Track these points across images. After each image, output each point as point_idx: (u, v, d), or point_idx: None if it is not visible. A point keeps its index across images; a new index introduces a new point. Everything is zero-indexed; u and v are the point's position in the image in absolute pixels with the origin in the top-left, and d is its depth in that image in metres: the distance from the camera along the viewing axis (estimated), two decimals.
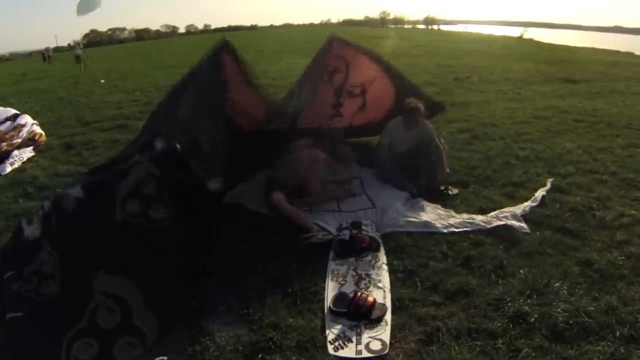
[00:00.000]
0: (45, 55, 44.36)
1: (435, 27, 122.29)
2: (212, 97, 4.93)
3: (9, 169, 7.50)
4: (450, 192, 5.76)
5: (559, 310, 3.52)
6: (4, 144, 8.36)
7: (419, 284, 3.98)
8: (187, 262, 3.90)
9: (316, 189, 5.53)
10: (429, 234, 4.78)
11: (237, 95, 5.56)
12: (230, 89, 5.29)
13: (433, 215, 5.10)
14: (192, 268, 4.10)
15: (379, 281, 4.06)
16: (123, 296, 3.44)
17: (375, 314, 3.59)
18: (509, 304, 3.62)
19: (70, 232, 3.70)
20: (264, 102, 6.08)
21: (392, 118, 6.37)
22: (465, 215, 5.07)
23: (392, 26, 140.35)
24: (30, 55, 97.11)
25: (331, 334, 3.46)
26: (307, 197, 5.51)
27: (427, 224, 4.91)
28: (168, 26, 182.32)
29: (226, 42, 5.28)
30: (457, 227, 4.85)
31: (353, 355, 3.31)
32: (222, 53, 5.22)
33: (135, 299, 3.45)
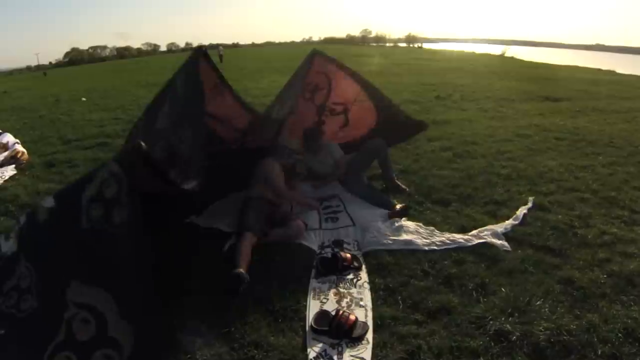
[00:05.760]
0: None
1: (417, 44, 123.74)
2: (190, 104, 4.88)
3: None
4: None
5: (541, 328, 3.52)
6: None
7: (400, 302, 3.96)
8: (156, 267, 3.75)
9: (283, 189, 5.50)
10: (411, 252, 4.77)
11: (216, 106, 5.52)
12: (209, 98, 5.24)
13: (414, 233, 5.09)
14: (171, 285, 4.06)
15: (361, 299, 4.04)
16: (97, 306, 3.35)
17: (356, 332, 3.56)
18: (491, 322, 3.61)
19: (43, 243, 3.63)
20: (246, 111, 6.06)
21: (373, 137, 6.48)
22: (446, 234, 5.07)
23: (374, 44, 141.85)
24: (11, 73, 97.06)
25: (312, 352, 3.43)
26: (280, 213, 5.45)
27: (408, 242, 4.90)
28: (149, 44, 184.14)
29: (204, 50, 5.24)
30: (438, 245, 4.85)
31: None
32: (199, 60, 5.16)
33: (109, 309, 3.36)
